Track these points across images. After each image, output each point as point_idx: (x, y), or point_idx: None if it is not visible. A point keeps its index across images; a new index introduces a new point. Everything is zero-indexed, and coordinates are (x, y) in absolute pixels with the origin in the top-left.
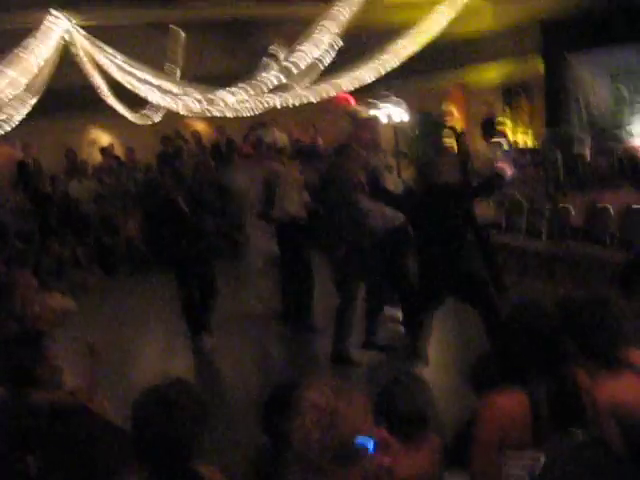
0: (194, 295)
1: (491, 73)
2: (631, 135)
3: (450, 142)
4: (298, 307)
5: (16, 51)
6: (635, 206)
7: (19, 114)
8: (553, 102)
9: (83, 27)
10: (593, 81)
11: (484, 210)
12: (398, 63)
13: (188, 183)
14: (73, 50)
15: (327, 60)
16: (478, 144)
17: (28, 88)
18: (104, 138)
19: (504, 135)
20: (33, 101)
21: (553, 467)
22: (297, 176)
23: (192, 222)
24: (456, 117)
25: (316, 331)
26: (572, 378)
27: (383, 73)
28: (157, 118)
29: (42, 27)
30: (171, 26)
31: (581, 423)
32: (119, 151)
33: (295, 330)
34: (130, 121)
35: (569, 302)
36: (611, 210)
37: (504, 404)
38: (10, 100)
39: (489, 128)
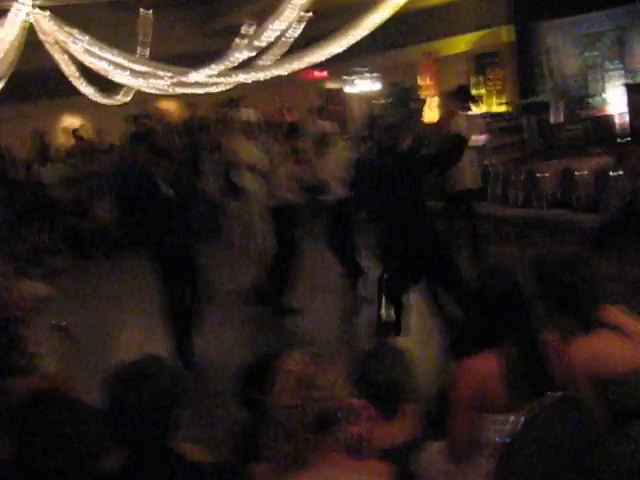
0: (182, 295)
1: (462, 43)
2: (603, 102)
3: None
4: (280, 287)
5: None
6: (609, 171)
7: None
8: (525, 70)
9: (46, 8)
10: (564, 49)
11: (470, 179)
12: (366, 36)
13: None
14: (38, 32)
15: (295, 34)
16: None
17: None
18: (75, 121)
19: (478, 103)
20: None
21: (529, 428)
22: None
23: (177, 206)
24: (428, 87)
25: (295, 312)
26: (541, 341)
27: (350, 47)
28: (127, 99)
29: (9, 13)
30: (141, 9)
31: (552, 385)
32: (90, 134)
33: (276, 311)
34: (100, 103)
35: (544, 262)
36: (582, 174)
37: (476, 367)
38: None
39: (463, 96)
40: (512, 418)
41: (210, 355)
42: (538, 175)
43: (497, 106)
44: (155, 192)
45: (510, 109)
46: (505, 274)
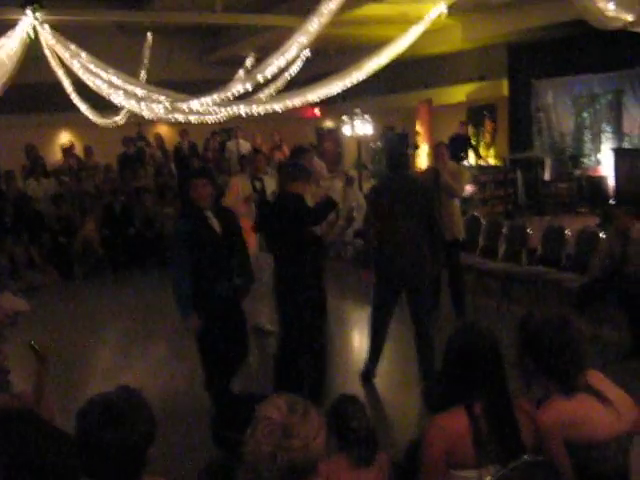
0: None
1: (458, 93)
2: (597, 162)
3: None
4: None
5: None
6: (596, 231)
7: None
8: (516, 124)
9: (50, 24)
10: (557, 107)
11: (458, 229)
12: (366, 78)
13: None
14: (44, 49)
15: (294, 71)
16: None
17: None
18: (67, 137)
19: (479, 153)
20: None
21: None
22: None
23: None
24: (424, 133)
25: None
26: (513, 403)
27: (351, 88)
28: (121, 120)
29: (17, 27)
30: (148, 33)
31: (520, 446)
32: (80, 151)
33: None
34: (95, 122)
35: (530, 321)
36: (568, 233)
37: (446, 424)
38: None
39: (460, 145)
40: (478, 474)
41: (182, 384)
42: (527, 230)
43: (489, 158)
44: (209, 232)
45: (501, 162)
46: (483, 330)
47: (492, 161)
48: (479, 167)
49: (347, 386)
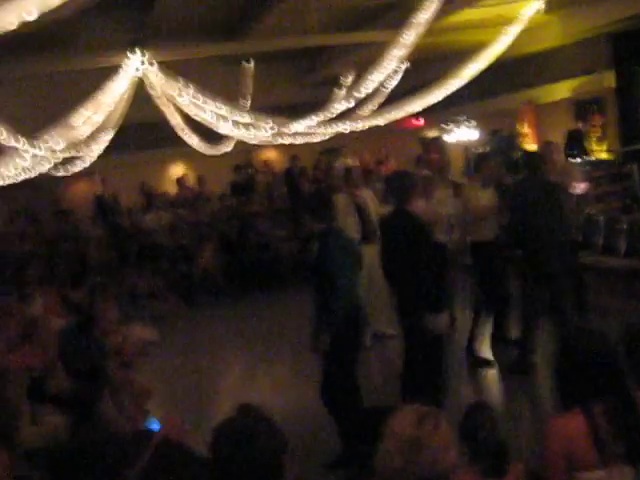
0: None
1: (562, 89)
2: None
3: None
4: None
5: (98, 94)
6: None
7: (97, 150)
8: (628, 117)
9: (155, 63)
10: None
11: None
12: (466, 84)
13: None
14: (147, 86)
15: (392, 84)
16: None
17: (104, 124)
18: (179, 170)
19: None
20: (109, 137)
21: None
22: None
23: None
24: (528, 134)
25: None
26: (633, 400)
27: (451, 95)
28: (228, 149)
29: (121, 70)
30: (243, 62)
31: None
32: (193, 182)
33: None
34: (205, 153)
35: (635, 333)
36: None
37: (564, 426)
38: (88, 137)
39: (575, 143)
40: (603, 475)
41: (310, 402)
42: None
43: (599, 154)
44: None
45: (612, 157)
46: (599, 333)
47: (604, 156)
48: (590, 163)
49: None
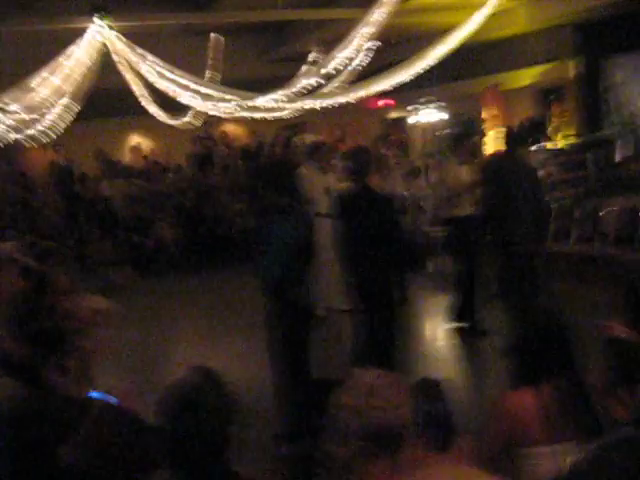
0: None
1: (528, 76)
2: None
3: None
4: None
5: (60, 59)
6: None
7: (62, 121)
8: (590, 105)
9: (121, 31)
10: (626, 86)
11: None
12: (432, 66)
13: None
14: (112, 55)
15: (361, 62)
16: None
17: (71, 94)
18: (136, 140)
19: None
20: (76, 108)
21: (600, 459)
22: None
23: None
24: (493, 118)
25: None
26: (586, 383)
27: (416, 77)
28: (195, 122)
29: (85, 35)
30: (212, 34)
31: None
32: (151, 152)
33: None
34: (164, 123)
35: (620, 344)
36: None
37: (514, 402)
38: (53, 107)
39: (535, 130)
40: (550, 450)
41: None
42: (601, 213)
43: (560, 140)
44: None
45: (571, 144)
46: (554, 313)
47: (560, 144)
48: (547, 151)
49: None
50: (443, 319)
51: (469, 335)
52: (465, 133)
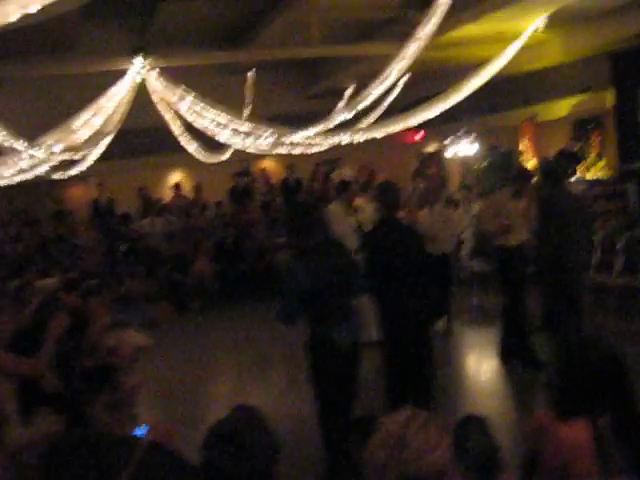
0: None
1: (563, 107)
2: None
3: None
4: None
5: (101, 100)
6: None
7: (94, 154)
8: (627, 135)
9: (159, 70)
10: None
11: None
12: (467, 99)
13: None
14: (149, 90)
15: (393, 97)
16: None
17: (104, 128)
18: (177, 177)
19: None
20: (108, 141)
21: None
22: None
23: None
24: (528, 151)
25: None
26: (637, 412)
27: (451, 110)
28: (226, 157)
29: (125, 76)
30: (249, 72)
31: None
32: (190, 189)
33: None
34: (203, 161)
35: None
36: None
37: (567, 435)
38: (86, 141)
39: (569, 161)
40: None
41: (303, 409)
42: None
43: (598, 171)
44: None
45: (611, 174)
46: (607, 343)
47: (601, 174)
48: (587, 181)
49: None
50: (487, 353)
51: (525, 367)
52: (523, 168)
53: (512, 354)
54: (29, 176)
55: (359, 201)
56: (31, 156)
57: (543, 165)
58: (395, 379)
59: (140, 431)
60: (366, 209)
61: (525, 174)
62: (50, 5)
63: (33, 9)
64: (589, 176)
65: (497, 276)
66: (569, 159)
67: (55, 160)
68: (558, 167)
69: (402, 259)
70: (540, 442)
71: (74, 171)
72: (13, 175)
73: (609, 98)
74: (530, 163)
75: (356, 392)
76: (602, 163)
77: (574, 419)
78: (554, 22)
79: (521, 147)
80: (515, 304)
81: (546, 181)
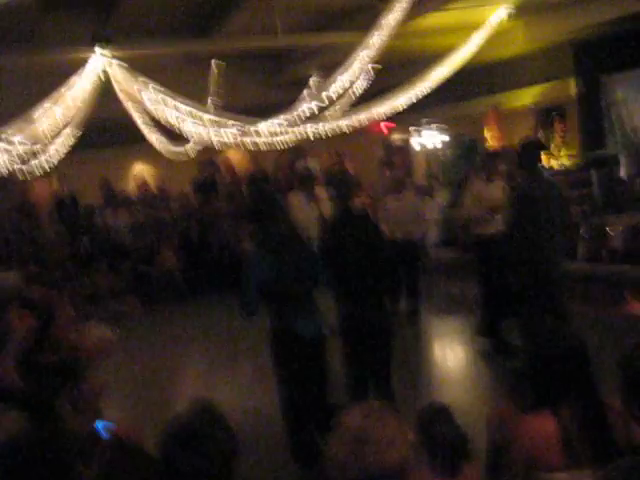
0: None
1: (527, 95)
2: None
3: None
4: None
5: (62, 89)
6: None
7: (61, 150)
8: (592, 123)
9: (121, 60)
10: (628, 102)
11: None
12: (432, 89)
13: None
14: (113, 83)
15: (361, 87)
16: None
17: (73, 124)
18: (140, 168)
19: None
20: (74, 136)
21: None
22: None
23: None
24: (494, 139)
25: None
26: (604, 404)
27: (417, 99)
28: (192, 153)
29: (87, 65)
30: (213, 60)
31: (615, 449)
32: (153, 181)
33: None
34: (165, 155)
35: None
36: None
37: (532, 426)
38: (52, 136)
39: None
40: (568, 477)
41: (267, 402)
42: (607, 229)
43: (563, 159)
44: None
45: (576, 162)
46: (573, 334)
47: (564, 163)
48: (551, 170)
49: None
50: (455, 339)
51: (497, 351)
52: (497, 153)
53: (484, 335)
54: None
55: (319, 190)
56: None
57: (518, 153)
58: (353, 369)
59: (101, 425)
60: (325, 198)
61: (492, 156)
62: None
63: None
64: (553, 164)
65: (473, 264)
66: (537, 147)
67: (15, 151)
68: (532, 154)
69: (356, 252)
70: (504, 435)
71: (35, 162)
72: None
73: (573, 87)
74: (492, 149)
75: (324, 385)
76: (565, 151)
77: (538, 409)
78: (517, 12)
79: (486, 135)
80: (492, 292)
81: (522, 169)
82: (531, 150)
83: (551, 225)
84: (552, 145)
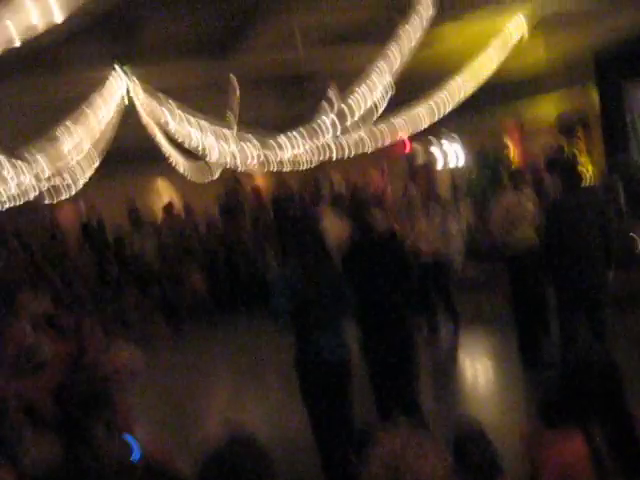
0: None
1: (547, 106)
2: None
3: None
4: None
5: (83, 107)
6: None
7: (84, 177)
8: (611, 132)
9: (142, 79)
10: None
11: None
12: (453, 103)
13: None
14: (135, 102)
15: (383, 102)
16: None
17: (92, 149)
18: (168, 193)
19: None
20: (97, 163)
21: None
22: None
23: None
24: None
25: None
26: (632, 422)
27: (439, 113)
28: (216, 174)
29: (106, 84)
30: (230, 75)
31: None
32: (180, 206)
33: None
34: (191, 178)
35: None
36: None
37: (562, 445)
38: (76, 154)
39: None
40: None
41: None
42: (631, 235)
43: (584, 166)
44: None
45: (598, 169)
46: (604, 351)
47: (589, 169)
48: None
49: None
50: (491, 356)
51: (532, 366)
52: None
53: (531, 353)
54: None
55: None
56: (18, 182)
57: (558, 163)
58: (379, 388)
59: (136, 455)
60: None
61: (518, 171)
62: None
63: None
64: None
65: (502, 278)
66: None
67: (44, 186)
68: (571, 164)
69: (374, 272)
70: (537, 458)
71: (63, 194)
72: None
73: (593, 95)
74: (516, 161)
75: (350, 407)
76: (588, 160)
77: (568, 427)
78: (537, 24)
79: (508, 145)
80: (527, 306)
81: (561, 180)
82: (567, 162)
83: (591, 236)
84: (576, 153)
